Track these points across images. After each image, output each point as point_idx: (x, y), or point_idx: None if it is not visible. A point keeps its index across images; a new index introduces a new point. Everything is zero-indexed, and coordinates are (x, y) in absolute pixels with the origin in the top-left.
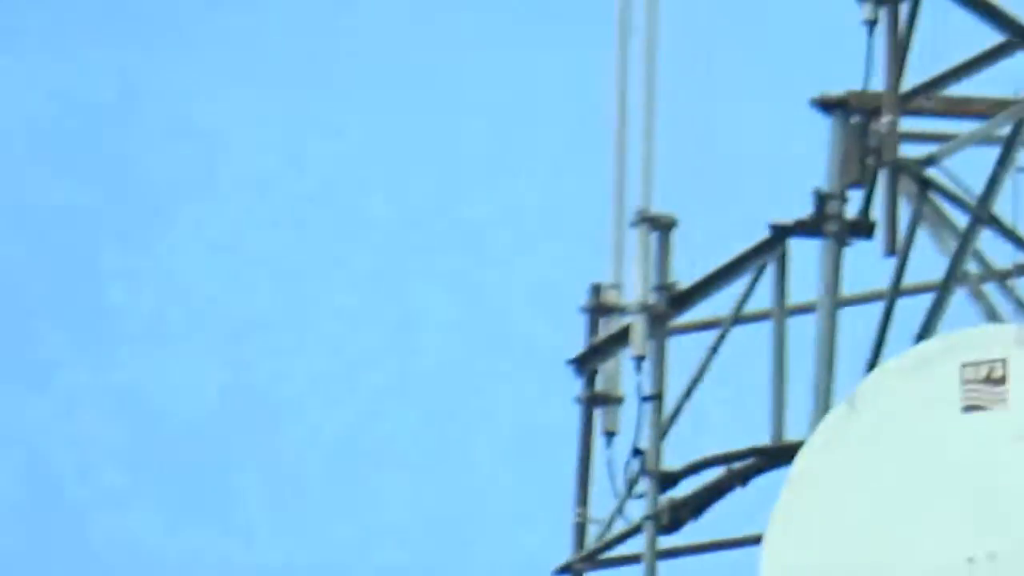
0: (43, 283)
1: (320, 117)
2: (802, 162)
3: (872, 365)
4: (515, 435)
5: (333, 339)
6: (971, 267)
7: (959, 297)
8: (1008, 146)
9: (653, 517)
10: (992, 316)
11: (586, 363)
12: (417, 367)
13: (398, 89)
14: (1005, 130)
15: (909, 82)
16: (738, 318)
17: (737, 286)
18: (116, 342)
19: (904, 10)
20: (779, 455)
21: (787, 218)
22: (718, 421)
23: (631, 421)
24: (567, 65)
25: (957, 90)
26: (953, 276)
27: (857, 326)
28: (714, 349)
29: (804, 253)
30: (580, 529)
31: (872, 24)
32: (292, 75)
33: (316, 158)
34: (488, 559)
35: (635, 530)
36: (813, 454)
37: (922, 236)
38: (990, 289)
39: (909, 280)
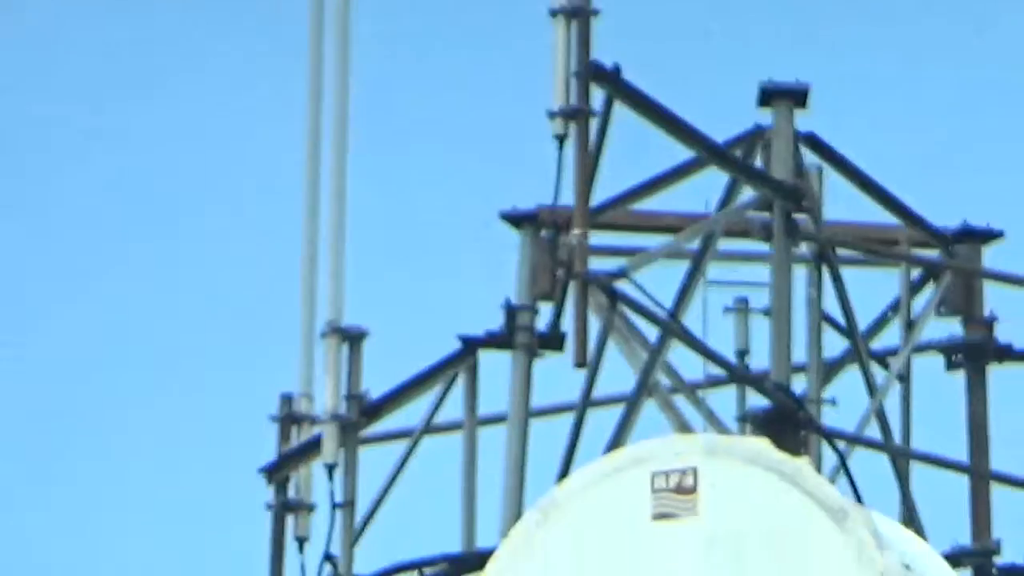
0: None
1: None
2: (493, 275)
3: (563, 474)
4: (206, 542)
5: None
6: (661, 379)
7: (649, 408)
8: (697, 260)
9: None
10: (682, 427)
11: (278, 471)
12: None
13: None
14: (694, 245)
15: (599, 197)
16: (429, 428)
17: (428, 397)
18: None
19: (594, 126)
20: (470, 562)
21: (477, 330)
22: (409, 529)
23: (323, 528)
24: (261, 179)
25: (647, 205)
26: (643, 388)
27: (548, 436)
28: (405, 458)
29: (495, 364)
30: None
31: (562, 139)
32: None
33: None
34: None
35: None
36: (504, 561)
37: (612, 348)
38: (679, 400)
39: (599, 392)
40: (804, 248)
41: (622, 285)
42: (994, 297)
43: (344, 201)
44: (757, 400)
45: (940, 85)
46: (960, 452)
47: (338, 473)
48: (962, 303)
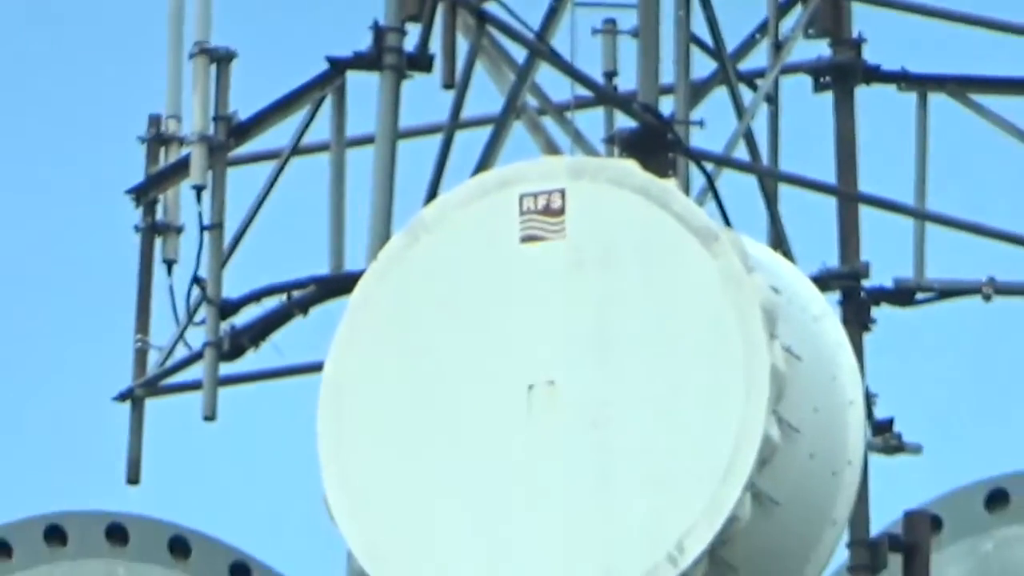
0: None
1: None
2: None
3: (431, 196)
4: (74, 264)
5: None
6: (528, 100)
7: (517, 130)
8: None
9: (214, 344)
10: (549, 149)
11: (146, 193)
12: None
13: None
14: None
15: None
16: (297, 150)
17: (296, 118)
18: None
19: None
20: (339, 284)
21: (346, 52)
22: (278, 251)
23: (192, 251)
24: None
25: None
26: (510, 109)
27: (416, 158)
28: (273, 180)
29: (363, 86)
30: (141, 356)
31: None
32: None
33: None
34: (46, 389)
35: (196, 357)
36: (372, 282)
37: (480, 70)
38: (547, 122)
39: (467, 113)
40: None
41: (490, 6)
42: (862, 18)
43: None
44: (625, 122)
45: None
46: (828, 174)
47: (206, 195)
48: (830, 24)
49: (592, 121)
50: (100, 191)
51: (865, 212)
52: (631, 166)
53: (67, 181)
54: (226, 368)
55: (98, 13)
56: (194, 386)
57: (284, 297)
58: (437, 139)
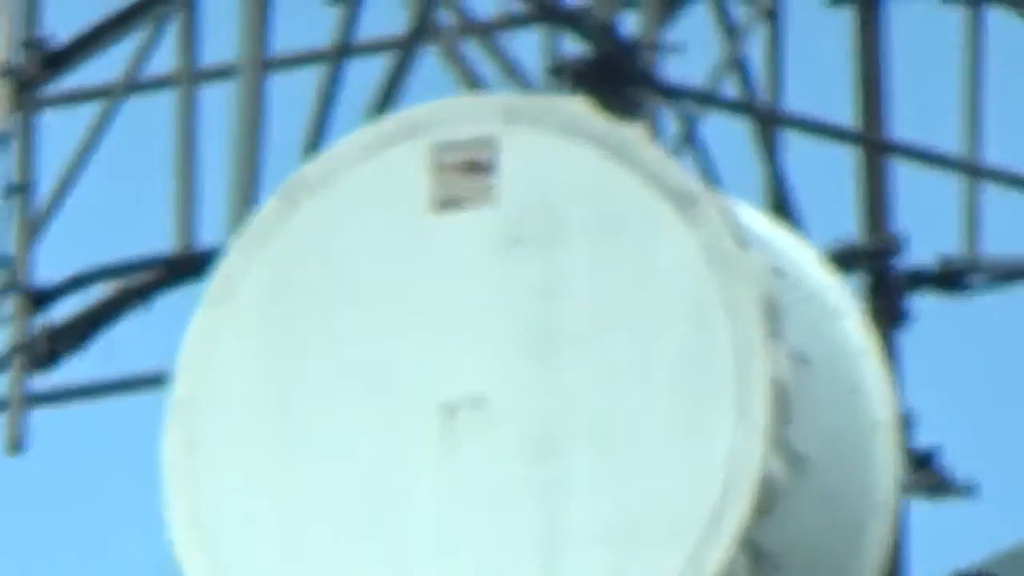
0: None
1: None
2: None
3: (312, 146)
4: None
5: None
6: (443, 17)
7: (428, 57)
8: None
9: (22, 347)
10: (472, 82)
11: None
12: None
13: None
14: None
15: None
16: (133, 84)
17: (132, 42)
18: None
19: None
20: (188, 266)
21: None
22: (108, 221)
23: None
24: None
25: None
26: (421, 30)
27: (291, 95)
28: (100, 125)
29: (217, 1)
30: None
31: None
32: None
33: None
34: None
35: None
36: (236, 264)
37: None
38: (469, 47)
39: (362, 34)
40: None
41: None
42: None
43: None
44: (574, 46)
45: None
46: (848, 115)
47: (11, 145)
48: None
49: (529, 45)
50: None
51: (898, 166)
52: (582, 107)
53: None
54: (40, 381)
55: None
56: None
57: (117, 283)
58: (321, 69)
